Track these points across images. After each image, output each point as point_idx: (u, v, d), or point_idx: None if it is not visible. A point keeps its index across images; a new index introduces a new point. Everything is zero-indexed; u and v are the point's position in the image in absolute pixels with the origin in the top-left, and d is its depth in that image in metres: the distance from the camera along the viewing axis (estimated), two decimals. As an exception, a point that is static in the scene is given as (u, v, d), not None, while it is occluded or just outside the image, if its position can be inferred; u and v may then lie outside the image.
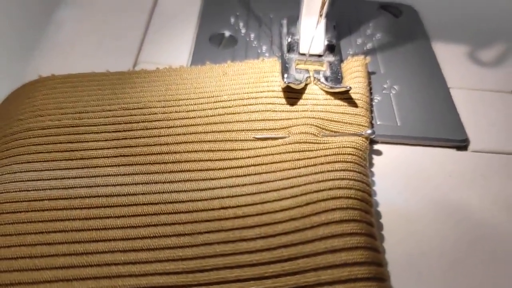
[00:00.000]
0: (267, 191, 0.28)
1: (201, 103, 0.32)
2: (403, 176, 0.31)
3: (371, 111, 0.34)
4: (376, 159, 0.32)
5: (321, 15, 0.32)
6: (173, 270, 0.25)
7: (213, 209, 0.27)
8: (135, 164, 0.29)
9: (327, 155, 0.29)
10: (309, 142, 0.30)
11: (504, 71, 0.39)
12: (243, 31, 0.39)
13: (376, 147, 0.33)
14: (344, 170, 0.28)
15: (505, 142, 0.34)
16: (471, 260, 0.28)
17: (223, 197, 0.28)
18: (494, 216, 0.30)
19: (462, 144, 0.33)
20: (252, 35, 0.39)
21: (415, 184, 0.31)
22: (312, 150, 0.29)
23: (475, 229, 0.29)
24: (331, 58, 0.35)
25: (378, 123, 0.33)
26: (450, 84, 0.37)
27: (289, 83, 0.32)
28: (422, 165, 0.32)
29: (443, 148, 0.33)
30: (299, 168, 0.29)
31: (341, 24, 0.40)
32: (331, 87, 0.32)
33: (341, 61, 0.36)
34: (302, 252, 0.25)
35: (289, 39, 0.36)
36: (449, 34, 0.42)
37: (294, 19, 0.37)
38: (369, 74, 0.36)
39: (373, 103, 0.34)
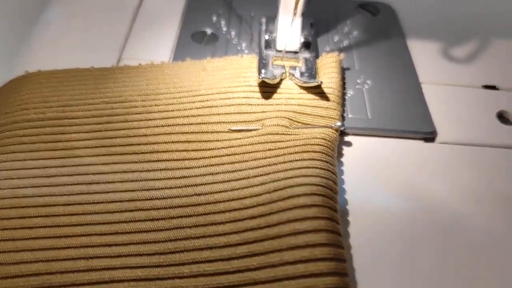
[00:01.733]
0: (238, 179, 0.29)
1: (180, 97, 0.34)
2: (372, 165, 0.33)
3: (343, 105, 0.35)
4: (346, 150, 0.33)
5: (295, 14, 0.34)
6: (147, 252, 0.26)
7: (186, 196, 0.28)
8: (114, 154, 0.31)
9: (296, 146, 0.30)
10: (281, 134, 0.31)
11: (475, 67, 0.40)
12: (224, 29, 0.41)
13: (347, 138, 0.34)
14: (311, 159, 0.29)
15: (471, 135, 0.35)
16: (434, 246, 0.29)
17: (196, 185, 0.29)
18: (457, 204, 0.31)
19: (429, 136, 0.34)
20: (233, 33, 0.41)
21: (383, 173, 0.32)
22: (283, 141, 0.31)
23: (439, 216, 0.30)
24: (306, 54, 0.37)
25: (350, 116, 0.35)
26: (422, 80, 0.38)
27: (264, 78, 0.34)
28: (390, 155, 0.34)
29: (411, 140, 0.35)
30: (270, 157, 0.30)
31: (319, 22, 0.42)
32: (304, 82, 0.34)
33: (317, 57, 0.38)
34: (267, 235, 0.26)
35: (267, 37, 0.37)
36: (424, 32, 0.43)
37: (272, 18, 0.39)
38: (343, 69, 0.38)
39: (346, 97, 0.36)
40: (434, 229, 0.30)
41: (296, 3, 0.33)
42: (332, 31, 0.42)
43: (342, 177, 0.32)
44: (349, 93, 0.36)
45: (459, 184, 0.32)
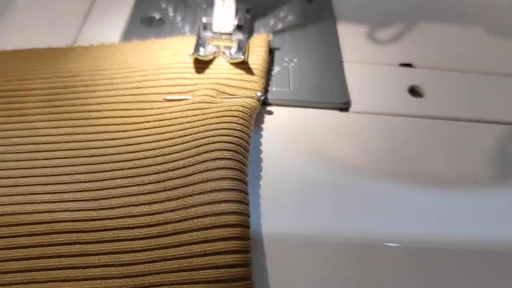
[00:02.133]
0: (165, 139, 0.34)
1: (123, 72, 0.39)
2: (290, 131, 0.38)
3: (268, 79, 0.40)
4: (268, 117, 0.38)
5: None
6: (83, 198, 0.31)
7: (120, 153, 0.33)
8: (62, 120, 0.36)
9: (218, 112, 0.35)
10: (207, 102, 0.36)
11: (395, 48, 0.45)
12: (171, 14, 0.46)
13: (270, 108, 0.39)
14: (228, 122, 0.34)
15: (382, 106, 0.40)
16: (339, 200, 0.33)
17: (130, 144, 0.34)
18: (363, 165, 0.36)
19: (344, 106, 0.39)
20: (179, 18, 0.45)
21: (300, 138, 0.37)
22: (207, 108, 0.36)
23: (347, 176, 0.35)
24: (240, 36, 0.42)
25: (274, 89, 0.40)
26: (345, 58, 0.43)
27: (196, 55, 0.39)
28: (307, 123, 0.38)
29: (327, 110, 0.39)
30: (194, 121, 0.35)
31: (259, 8, 0.47)
32: (231, 58, 0.39)
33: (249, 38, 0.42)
34: (184, 183, 0.31)
35: (205, 20, 0.42)
36: (354, 16, 0.48)
37: (212, 3, 0.44)
38: (272, 49, 0.42)
39: (273, 73, 0.41)
40: (341, 187, 0.34)
41: (223, -11, 0.38)
42: (269, 15, 0.47)
43: (261, 140, 0.36)
44: (276, 69, 0.41)
45: (367, 149, 0.37)
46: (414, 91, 0.42)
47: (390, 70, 0.43)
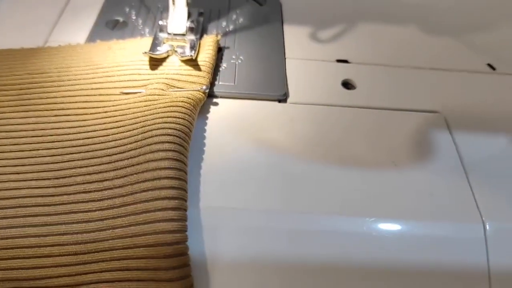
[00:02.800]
0: (118, 127, 0.39)
1: (86, 69, 0.44)
2: (233, 121, 0.42)
3: (215, 75, 0.45)
4: (214, 108, 0.43)
5: (174, 3, 0.44)
6: (45, 178, 0.36)
7: (78, 139, 0.38)
8: (30, 111, 0.41)
9: (166, 102, 0.40)
10: (157, 94, 0.41)
11: (334, 46, 0.50)
12: (134, 18, 0.51)
13: (216, 100, 0.44)
14: (173, 111, 0.39)
15: (317, 97, 0.45)
16: (279, 183, 0.38)
17: (88, 131, 0.39)
18: (299, 151, 0.41)
19: (282, 98, 0.44)
20: (140, 21, 0.50)
21: (241, 127, 0.42)
22: (157, 100, 0.41)
23: (284, 161, 0.40)
24: (192, 36, 0.47)
25: (220, 83, 0.45)
26: (288, 56, 0.48)
27: (150, 54, 0.44)
28: (249, 113, 0.43)
29: (267, 101, 0.44)
30: (145, 111, 0.40)
31: (213, 11, 0.52)
32: (181, 56, 0.44)
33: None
34: (130, 163, 0.36)
35: (161, 22, 0.47)
36: (300, 19, 0.53)
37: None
38: (220, 48, 0.47)
39: (220, 69, 0.46)
40: (277, 169, 0.39)
41: (173, -5, 0.43)
42: (222, 18, 0.52)
43: (206, 128, 0.41)
44: (223, 66, 0.46)
45: (302, 136, 0.42)
46: (347, 84, 0.47)
47: (327, 66, 0.48)
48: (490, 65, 0.50)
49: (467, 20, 0.56)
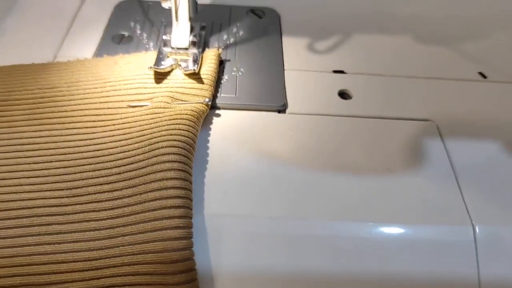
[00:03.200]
0: (126, 139, 0.41)
1: (95, 84, 0.46)
2: (235, 131, 0.45)
3: (217, 87, 0.47)
4: (216, 120, 0.45)
5: (177, 19, 0.46)
6: (58, 188, 0.38)
7: (89, 151, 0.41)
8: (42, 124, 0.43)
9: (171, 115, 0.42)
10: (163, 107, 0.43)
11: (331, 57, 0.52)
12: (138, 32, 0.53)
13: (218, 112, 0.46)
14: (178, 124, 0.41)
15: (314, 107, 0.47)
16: (281, 191, 0.40)
17: (98, 144, 0.41)
18: (297, 158, 0.43)
19: (281, 108, 0.46)
20: (145, 35, 0.53)
21: (243, 137, 0.44)
22: (163, 113, 0.43)
23: (284, 170, 0.42)
24: (194, 50, 0.49)
25: (222, 95, 0.47)
26: (287, 67, 0.50)
27: (154, 68, 0.46)
28: (250, 123, 0.45)
29: (267, 112, 0.46)
30: (151, 124, 0.42)
31: (215, 25, 0.54)
32: (185, 70, 0.46)
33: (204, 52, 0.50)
34: (138, 174, 0.38)
35: (165, 37, 0.49)
36: (298, 30, 0.55)
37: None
38: (222, 61, 0.50)
39: (222, 82, 0.48)
40: (277, 177, 0.41)
41: (176, 11, 0.45)
42: (223, 31, 0.54)
43: (209, 138, 0.44)
44: (225, 78, 0.48)
45: (300, 144, 0.44)
46: (343, 94, 0.49)
47: (324, 76, 0.50)
48: (481, 74, 0.52)
49: (459, 30, 0.59)
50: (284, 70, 0.50)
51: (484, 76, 0.52)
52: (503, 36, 0.59)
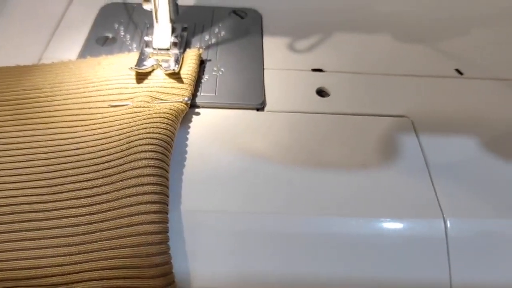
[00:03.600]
0: (106, 138, 0.42)
1: (77, 84, 0.47)
2: (214, 128, 0.46)
3: (197, 86, 0.48)
4: (196, 118, 0.46)
5: (157, 21, 0.47)
6: (40, 186, 0.39)
7: (70, 150, 0.42)
8: (26, 124, 0.44)
9: (150, 113, 0.43)
10: (142, 106, 0.45)
11: (310, 56, 0.53)
12: (122, 34, 0.54)
13: (198, 110, 0.47)
14: (157, 122, 0.42)
15: (292, 105, 0.48)
16: (250, 182, 0.41)
17: (79, 143, 0.42)
18: (274, 154, 0.44)
19: (260, 106, 0.47)
20: (128, 37, 0.54)
21: (222, 135, 0.45)
22: (142, 112, 0.44)
23: (258, 166, 0.43)
24: (176, 51, 0.50)
25: (202, 94, 0.48)
26: (266, 66, 0.51)
27: (135, 68, 0.47)
28: (229, 122, 0.46)
29: (246, 110, 0.47)
30: (131, 123, 0.43)
31: (197, 26, 0.55)
32: (165, 70, 0.47)
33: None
34: (117, 171, 0.39)
35: (147, 38, 0.50)
36: (278, 31, 0.56)
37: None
38: (203, 61, 0.51)
39: (202, 81, 0.49)
40: (255, 174, 0.42)
41: (156, 13, 0.46)
42: (205, 32, 0.55)
43: (188, 136, 0.45)
44: (205, 78, 0.49)
45: (278, 142, 0.45)
46: (321, 92, 0.50)
47: (303, 75, 0.51)
48: (458, 70, 0.53)
49: (437, 28, 0.60)
50: (264, 69, 0.51)
51: (460, 73, 0.53)
52: (480, 33, 0.60)
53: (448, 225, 0.40)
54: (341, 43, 0.55)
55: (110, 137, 0.42)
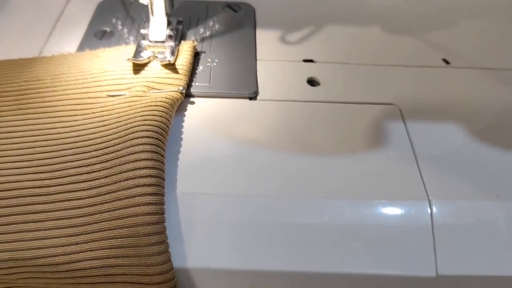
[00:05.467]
0: (104, 125, 0.44)
1: (77, 76, 0.49)
2: (208, 117, 0.47)
3: (192, 77, 0.50)
4: (191, 107, 0.48)
5: (152, 14, 0.49)
6: (42, 171, 0.41)
7: (70, 137, 0.44)
8: (28, 114, 0.46)
9: (146, 102, 0.45)
10: (139, 96, 0.46)
11: (301, 47, 0.55)
12: (120, 28, 0.56)
13: (193, 99, 0.49)
14: (153, 110, 0.44)
15: (284, 94, 0.50)
16: (243, 167, 0.44)
17: (78, 130, 0.44)
18: (269, 144, 0.45)
19: (252, 95, 0.49)
20: (125, 31, 0.56)
21: (216, 123, 0.47)
22: (139, 101, 0.46)
23: (256, 154, 0.44)
24: (171, 43, 0.52)
25: (196, 84, 0.50)
26: (259, 57, 0.53)
27: (132, 60, 0.49)
28: (222, 110, 0.48)
29: (239, 99, 0.49)
30: (128, 111, 0.45)
31: (192, 19, 0.57)
32: (161, 61, 0.49)
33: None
34: (115, 156, 0.41)
35: (143, 31, 0.52)
36: (271, 23, 0.58)
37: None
38: (197, 52, 0.53)
39: (197, 72, 0.51)
40: (247, 158, 0.44)
41: (151, 6, 0.48)
42: (200, 25, 0.57)
43: (183, 124, 0.47)
44: (200, 68, 0.51)
45: (270, 129, 0.47)
46: (312, 81, 0.52)
47: (294, 65, 0.53)
48: (445, 60, 0.55)
49: (425, 19, 0.61)
50: (256, 60, 0.53)
51: (447, 63, 0.55)
52: (467, 25, 0.61)
53: (434, 207, 0.42)
54: (331, 35, 0.57)
55: (108, 125, 0.44)
